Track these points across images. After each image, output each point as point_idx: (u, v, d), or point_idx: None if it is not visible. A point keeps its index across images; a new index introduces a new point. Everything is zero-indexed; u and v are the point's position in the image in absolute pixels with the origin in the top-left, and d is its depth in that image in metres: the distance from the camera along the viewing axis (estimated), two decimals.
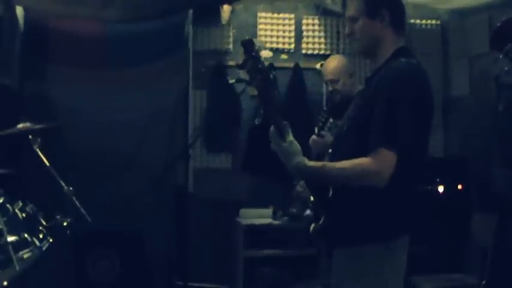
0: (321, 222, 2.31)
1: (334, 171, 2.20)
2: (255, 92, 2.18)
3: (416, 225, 2.32)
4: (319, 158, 2.34)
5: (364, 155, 2.15)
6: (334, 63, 3.92)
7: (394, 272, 2.25)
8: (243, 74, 2.17)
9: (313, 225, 2.35)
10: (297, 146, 2.24)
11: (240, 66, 2.19)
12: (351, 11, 2.36)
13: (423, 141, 2.27)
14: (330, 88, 3.84)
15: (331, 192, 2.30)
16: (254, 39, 2.24)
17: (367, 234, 2.21)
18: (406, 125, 2.13)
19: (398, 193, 2.19)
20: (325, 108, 3.90)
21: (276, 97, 2.26)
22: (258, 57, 2.18)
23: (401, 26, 2.37)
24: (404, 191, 2.23)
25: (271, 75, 2.21)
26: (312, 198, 2.45)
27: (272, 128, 2.25)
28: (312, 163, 2.23)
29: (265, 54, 2.25)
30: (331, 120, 3.76)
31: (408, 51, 2.34)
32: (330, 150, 2.45)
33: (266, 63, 2.23)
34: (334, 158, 2.33)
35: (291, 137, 2.24)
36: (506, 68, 3.42)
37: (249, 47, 2.18)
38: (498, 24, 3.77)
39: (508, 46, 3.32)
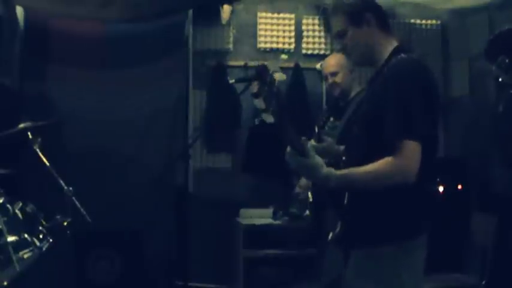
0: (337, 229, 2.30)
1: (364, 176, 2.15)
2: (271, 119, 2.14)
3: (433, 224, 2.30)
4: None
5: (377, 153, 2.13)
6: (333, 57, 3.95)
7: (411, 272, 2.23)
8: (259, 103, 2.13)
9: (331, 234, 2.33)
10: (319, 158, 2.19)
11: (255, 95, 2.16)
12: (337, 27, 2.36)
13: (435, 135, 2.25)
14: (330, 81, 3.83)
15: (346, 196, 2.28)
16: (267, 64, 2.21)
17: (385, 234, 2.20)
18: (420, 115, 2.12)
19: (414, 192, 2.17)
20: (325, 107, 3.90)
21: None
22: (272, 82, 2.16)
23: (387, 24, 2.37)
24: (421, 190, 2.20)
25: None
26: (310, 199, 2.44)
27: (289, 149, 2.20)
28: (340, 172, 2.19)
29: (278, 77, 2.23)
30: (331, 119, 3.76)
31: (405, 49, 2.34)
32: (344, 158, 2.43)
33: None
34: (349, 163, 2.32)
35: (311, 151, 2.19)
36: (500, 79, 3.44)
37: (264, 73, 2.16)
38: (491, 37, 3.80)
39: (500, 58, 3.34)
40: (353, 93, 3.84)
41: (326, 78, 3.87)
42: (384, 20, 2.36)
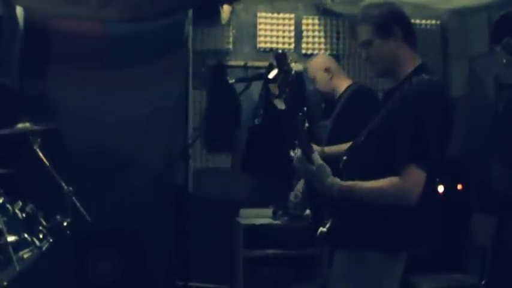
0: (327, 226, 2.30)
1: (366, 192, 2.19)
2: (283, 106, 2.16)
3: (422, 242, 2.32)
4: None
5: (382, 166, 2.15)
6: (311, 62, 3.93)
7: (391, 281, 2.26)
8: (273, 88, 2.15)
9: (320, 230, 2.34)
10: (326, 167, 2.24)
11: (270, 81, 2.18)
12: (363, 36, 2.36)
13: (443, 157, 2.28)
14: (312, 87, 3.87)
15: None
16: (287, 52, 2.23)
17: (371, 240, 2.22)
18: (433, 142, 2.14)
19: (410, 208, 2.17)
20: (301, 113, 3.91)
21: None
22: (289, 71, 2.17)
23: (414, 40, 2.37)
24: (421, 205, 2.21)
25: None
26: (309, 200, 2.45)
27: (299, 152, 2.24)
28: (344, 183, 2.23)
29: (296, 67, 2.24)
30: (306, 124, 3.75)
31: (428, 68, 2.33)
32: (345, 158, 2.45)
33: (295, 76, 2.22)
34: (349, 167, 2.34)
35: (319, 159, 2.23)
36: (504, 61, 3.43)
37: (282, 60, 2.17)
38: (497, 19, 3.78)
39: (505, 39, 3.33)
40: (342, 88, 3.80)
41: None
42: (411, 35, 2.36)
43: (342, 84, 3.80)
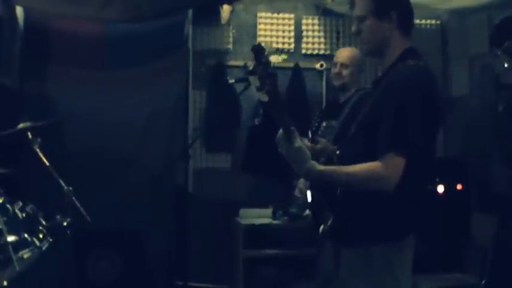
0: (329, 223, 2.30)
1: (344, 176, 2.20)
2: (266, 98, 2.17)
3: (422, 225, 2.33)
4: None
5: (372, 156, 2.15)
6: (352, 50, 3.90)
7: (403, 270, 2.26)
8: (254, 80, 2.15)
9: (322, 227, 2.34)
10: (305, 150, 2.22)
11: (250, 73, 2.19)
12: (359, 10, 2.36)
13: (432, 144, 2.27)
14: (337, 70, 3.81)
15: (338, 192, 2.30)
16: (264, 44, 2.23)
17: (376, 234, 2.21)
18: (415, 129, 2.13)
19: (407, 195, 2.19)
20: (317, 112, 3.90)
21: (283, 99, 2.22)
22: (267, 63, 2.18)
23: (409, 28, 2.37)
24: (414, 193, 2.23)
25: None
26: (309, 200, 2.44)
27: (280, 132, 2.23)
28: (322, 167, 2.22)
29: (274, 59, 2.24)
30: (324, 124, 3.75)
31: (416, 53, 2.33)
32: (338, 152, 2.45)
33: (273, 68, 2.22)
34: (343, 159, 2.34)
35: (299, 142, 2.22)
36: (506, 65, 3.43)
37: (259, 52, 2.17)
38: (497, 22, 3.78)
39: (506, 43, 3.33)
40: (352, 91, 3.82)
41: (335, 66, 3.86)
42: (408, 22, 2.35)
43: (355, 86, 3.83)
